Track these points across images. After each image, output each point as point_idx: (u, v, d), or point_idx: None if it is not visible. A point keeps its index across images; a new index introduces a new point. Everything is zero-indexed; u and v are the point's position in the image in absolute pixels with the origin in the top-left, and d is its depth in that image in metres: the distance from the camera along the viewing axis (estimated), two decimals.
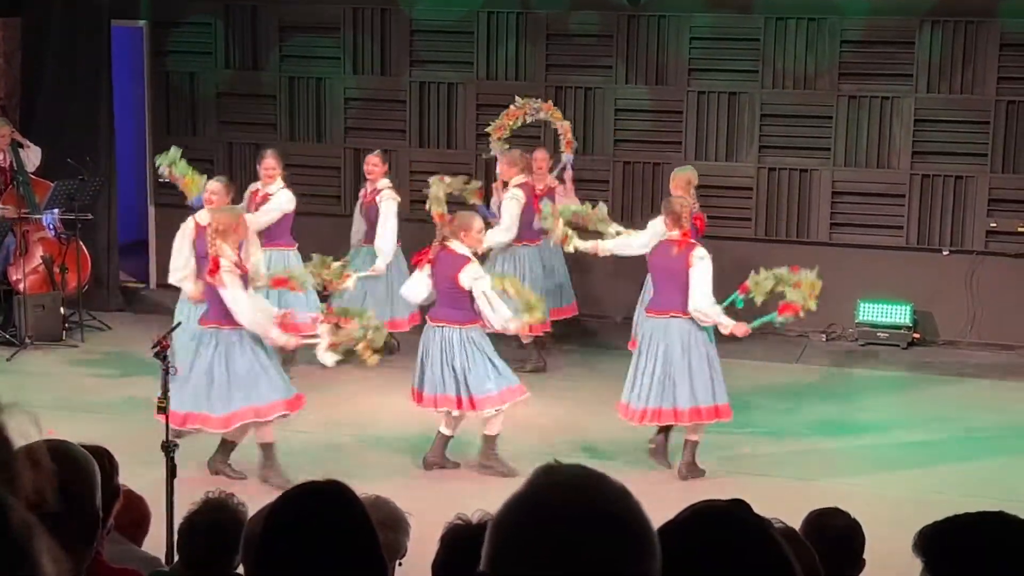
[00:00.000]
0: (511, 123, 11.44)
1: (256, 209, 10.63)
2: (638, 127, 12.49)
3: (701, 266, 8.47)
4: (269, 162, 10.76)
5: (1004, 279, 11.90)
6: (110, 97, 12.97)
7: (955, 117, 11.87)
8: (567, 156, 11.57)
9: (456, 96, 12.92)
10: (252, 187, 10.98)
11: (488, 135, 11.59)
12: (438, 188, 10.50)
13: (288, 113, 13.34)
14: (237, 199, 10.30)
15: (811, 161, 12.24)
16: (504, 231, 10.69)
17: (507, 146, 11.36)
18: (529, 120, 11.59)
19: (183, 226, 9.87)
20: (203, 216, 9.44)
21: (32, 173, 12.13)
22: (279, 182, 10.76)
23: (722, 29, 12.28)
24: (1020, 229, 11.81)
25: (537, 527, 1.66)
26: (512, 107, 11.46)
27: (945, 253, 12.05)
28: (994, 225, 11.89)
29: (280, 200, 10.67)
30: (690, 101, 12.38)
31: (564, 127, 11.59)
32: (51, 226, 12.02)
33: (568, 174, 11.55)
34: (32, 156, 12.20)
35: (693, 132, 12.38)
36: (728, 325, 8.52)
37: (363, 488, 3.40)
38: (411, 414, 9.24)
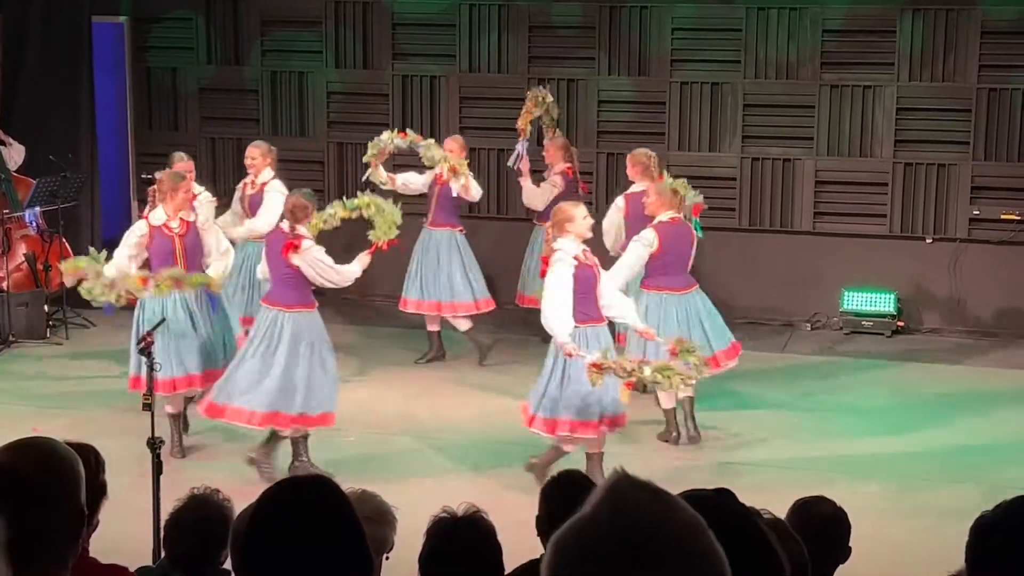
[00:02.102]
0: (534, 108, 11.36)
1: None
2: (621, 118, 12.49)
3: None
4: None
5: (987, 266, 11.94)
6: (91, 93, 12.92)
7: (937, 105, 11.90)
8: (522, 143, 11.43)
9: (439, 89, 12.91)
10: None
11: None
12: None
13: (270, 108, 13.31)
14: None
15: (794, 150, 12.26)
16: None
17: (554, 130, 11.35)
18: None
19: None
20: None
21: (14, 171, 12.09)
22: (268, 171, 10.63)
23: (704, 19, 12.29)
24: (1003, 216, 11.85)
25: (595, 561, 1.59)
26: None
27: (928, 241, 12.09)
28: (977, 213, 11.93)
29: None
30: (673, 92, 12.39)
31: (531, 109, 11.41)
32: (33, 224, 11.98)
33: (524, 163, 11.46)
34: (15, 154, 12.15)
35: (676, 123, 12.39)
36: None
37: (349, 483, 3.41)
38: (396, 411, 9.27)
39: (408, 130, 10.70)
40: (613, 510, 1.63)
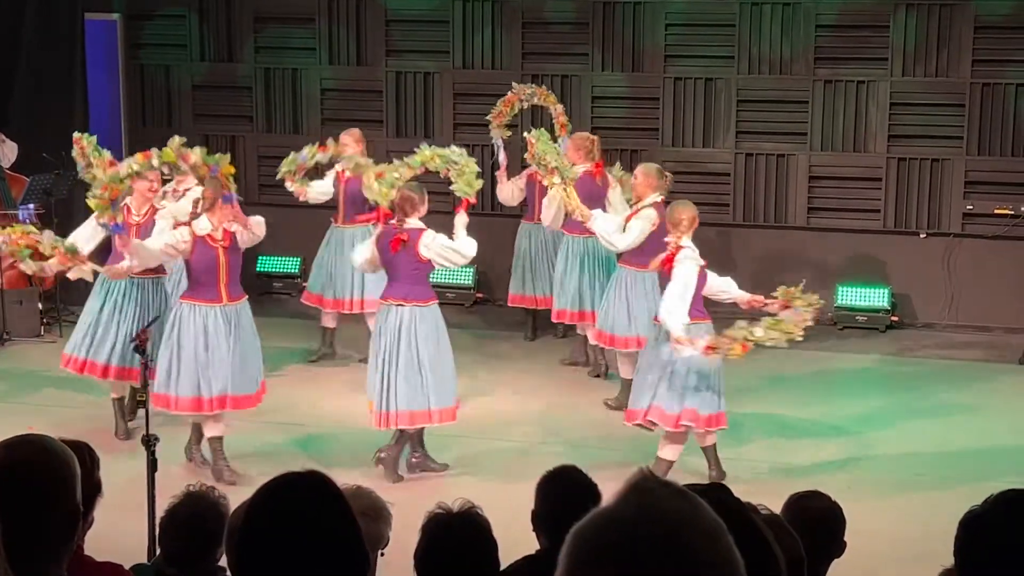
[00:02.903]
0: (508, 109, 11.13)
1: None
2: (615, 114, 12.50)
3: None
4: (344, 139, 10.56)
5: (981, 261, 11.96)
6: (85, 90, 12.90)
7: (930, 100, 11.91)
8: (563, 140, 11.11)
9: (432, 85, 12.91)
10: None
11: (488, 123, 11.19)
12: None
13: (264, 104, 13.31)
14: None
15: (788, 146, 12.27)
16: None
17: (508, 133, 11.16)
18: (524, 106, 11.29)
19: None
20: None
21: (7, 168, 12.08)
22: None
23: (697, 15, 12.30)
24: (996, 211, 11.86)
25: (616, 553, 1.60)
26: (509, 93, 11.14)
27: (922, 236, 12.10)
28: (970, 207, 11.94)
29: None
30: (666, 87, 12.40)
31: (558, 110, 11.25)
32: (27, 221, 11.95)
33: None
34: (8, 152, 12.13)
35: (670, 118, 12.40)
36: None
37: (344, 479, 3.41)
38: None
39: (329, 141, 10.42)
40: (638, 507, 1.63)
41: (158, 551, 4.66)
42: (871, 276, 12.08)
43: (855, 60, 12.03)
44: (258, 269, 13.02)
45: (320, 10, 13.03)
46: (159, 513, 4.78)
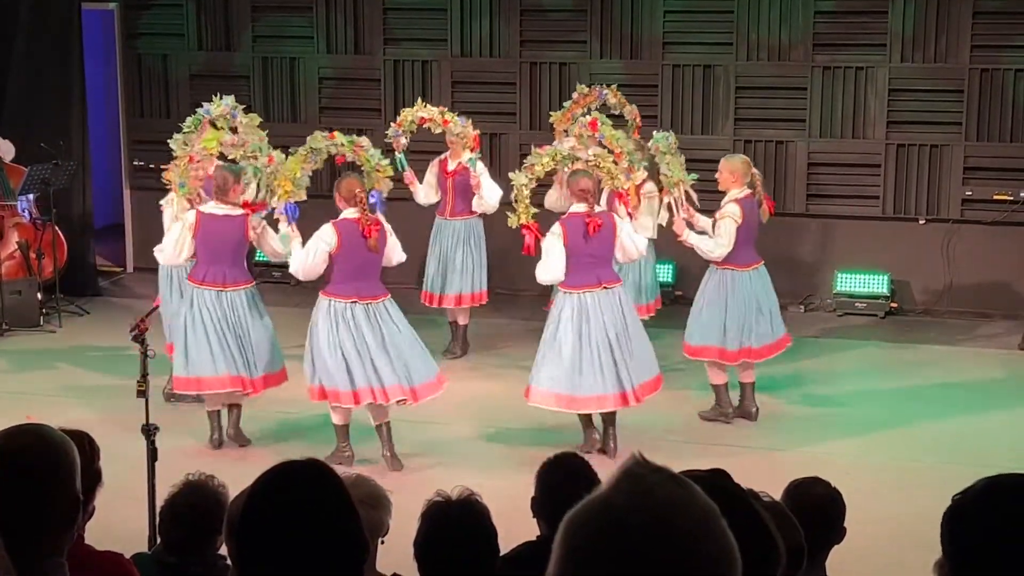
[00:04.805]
0: (579, 112, 10.58)
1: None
2: None
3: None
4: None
5: (980, 247, 11.96)
6: (82, 80, 12.88)
7: (929, 86, 11.89)
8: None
9: (430, 74, 12.89)
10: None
11: (552, 126, 10.84)
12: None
13: (262, 94, 13.28)
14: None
15: (787, 133, 12.26)
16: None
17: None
18: (595, 107, 10.75)
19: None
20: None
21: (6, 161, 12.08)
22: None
23: (695, 2, 12.28)
24: (995, 197, 11.86)
25: (609, 539, 1.60)
26: (576, 94, 10.77)
27: (921, 222, 12.10)
28: (970, 193, 11.93)
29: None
30: (665, 75, 12.38)
31: (632, 112, 10.85)
32: (26, 211, 11.97)
33: None
34: (4, 147, 12.14)
35: (668, 106, 12.38)
36: None
37: (343, 468, 3.42)
38: None
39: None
40: (630, 493, 1.64)
41: (159, 540, 4.67)
42: (870, 263, 12.07)
43: (854, 46, 12.01)
44: (258, 257, 12.99)
45: None
46: (159, 502, 4.79)
